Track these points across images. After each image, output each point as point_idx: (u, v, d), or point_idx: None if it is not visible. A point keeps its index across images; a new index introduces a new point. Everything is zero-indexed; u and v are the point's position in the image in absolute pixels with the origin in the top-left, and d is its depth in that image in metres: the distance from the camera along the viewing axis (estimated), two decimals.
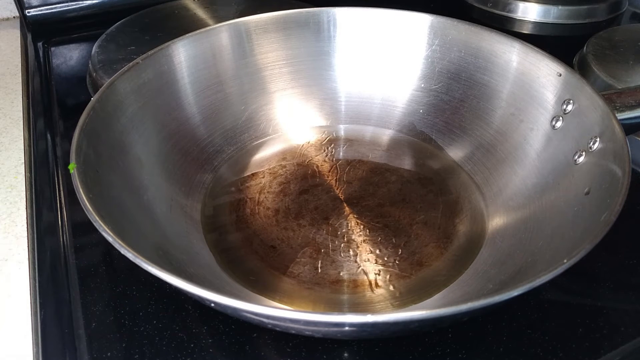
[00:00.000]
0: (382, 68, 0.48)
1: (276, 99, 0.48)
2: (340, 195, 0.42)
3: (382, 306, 0.34)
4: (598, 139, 0.34)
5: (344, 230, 0.38)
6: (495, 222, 0.38)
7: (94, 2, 0.67)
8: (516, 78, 0.42)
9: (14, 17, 0.71)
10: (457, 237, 0.38)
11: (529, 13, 0.69)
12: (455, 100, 0.45)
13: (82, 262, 0.36)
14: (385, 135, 0.47)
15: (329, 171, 0.44)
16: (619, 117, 0.34)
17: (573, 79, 0.37)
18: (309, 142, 0.47)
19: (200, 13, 0.63)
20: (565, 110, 0.38)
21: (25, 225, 0.39)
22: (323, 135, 0.47)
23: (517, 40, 0.42)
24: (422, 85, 0.47)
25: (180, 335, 0.31)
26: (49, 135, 0.49)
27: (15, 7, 0.67)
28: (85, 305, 0.33)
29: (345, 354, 0.31)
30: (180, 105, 0.43)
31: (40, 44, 0.63)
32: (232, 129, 0.46)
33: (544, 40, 0.66)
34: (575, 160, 0.35)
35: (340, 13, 0.47)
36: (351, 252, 0.37)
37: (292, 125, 0.48)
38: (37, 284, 0.35)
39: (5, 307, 0.34)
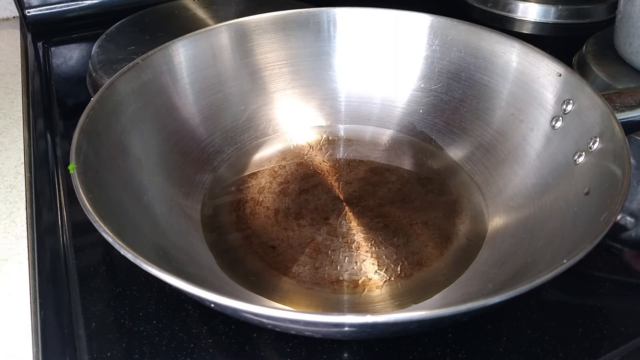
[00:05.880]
0: (382, 68, 0.48)
1: (276, 99, 0.47)
2: (340, 195, 0.42)
3: (382, 306, 0.34)
4: (598, 139, 0.34)
5: (344, 230, 0.38)
6: (495, 222, 0.38)
7: (94, 2, 0.67)
8: (516, 78, 0.42)
9: (14, 17, 0.71)
10: (457, 237, 0.38)
11: (529, 13, 0.69)
12: (455, 100, 0.45)
13: (82, 262, 0.36)
14: (385, 135, 0.47)
15: (329, 171, 0.44)
16: (619, 117, 0.34)
17: (573, 79, 0.37)
18: (309, 142, 0.47)
19: (200, 13, 0.63)
20: (565, 110, 0.38)
21: (25, 225, 0.39)
22: (323, 135, 0.47)
23: (517, 40, 0.42)
24: (422, 85, 0.47)
25: (180, 335, 0.31)
26: (49, 135, 0.49)
27: (15, 7, 0.67)
28: (85, 305, 0.33)
29: (345, 354, 0.31)
30: (180, 105, 0.43)
31: (40, 44, 0.63)
32: (232, 129, 0.46)
33: (544, 40, 0.66)
34: (575, 161, 0.35)
35: (340, 13, 0.47)
36: (351, 252, 0.37)
37: (292, 125, 0.48)
38: (37, 284, 0.35)
39: (5, 307, 0.34)
